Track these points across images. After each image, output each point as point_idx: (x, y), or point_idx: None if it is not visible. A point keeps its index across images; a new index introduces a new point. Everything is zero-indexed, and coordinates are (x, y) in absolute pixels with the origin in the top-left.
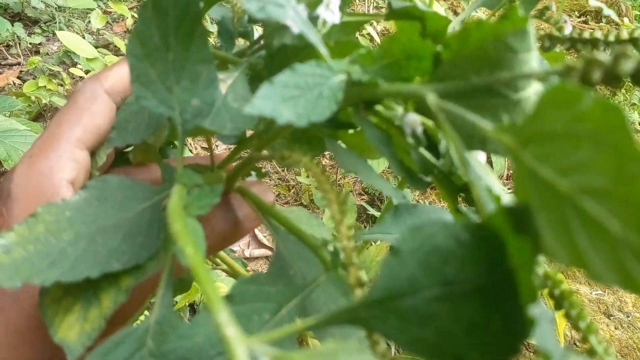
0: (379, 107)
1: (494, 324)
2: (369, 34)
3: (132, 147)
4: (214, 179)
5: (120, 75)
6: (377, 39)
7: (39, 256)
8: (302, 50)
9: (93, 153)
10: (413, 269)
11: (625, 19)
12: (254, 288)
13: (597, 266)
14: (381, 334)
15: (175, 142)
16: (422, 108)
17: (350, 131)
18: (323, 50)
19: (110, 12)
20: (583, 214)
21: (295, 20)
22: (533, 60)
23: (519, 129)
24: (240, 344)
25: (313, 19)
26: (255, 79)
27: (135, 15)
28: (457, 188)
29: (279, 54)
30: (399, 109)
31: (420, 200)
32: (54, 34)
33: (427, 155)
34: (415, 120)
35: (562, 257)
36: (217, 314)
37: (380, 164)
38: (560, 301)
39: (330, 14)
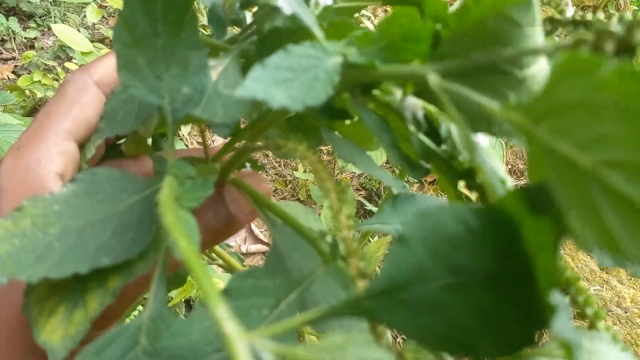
0: (375, 92)
1: (507, 312)
2: (366, 27)
3: (124, 140)
4: (207, 170)
5: (109, 66)
6: None
7: (25, 251)
8: (294, 33)
9: (82, 145)
10: (420, 256)
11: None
12: (251, 282)
13: (629, 245)
14: (387, 325)
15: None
16: (421, 91)
17: (347, 122)
18: (317, 32)
19: (106, 7)
20: (609, 191)
21: None
22: (538, 35)
23: (530, 105)
24: (240, 340)
25: (305, 1)
26: (248, 65)
27: None
28: (458, 174)
29: (270, 37)
30: (397, 93)
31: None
32: (49, 29)
33: (427, 140)
34: (415, 104)
35: (590, 239)
36: (215, 309)
37: (378, 158)
38: (567, 287)
39: None
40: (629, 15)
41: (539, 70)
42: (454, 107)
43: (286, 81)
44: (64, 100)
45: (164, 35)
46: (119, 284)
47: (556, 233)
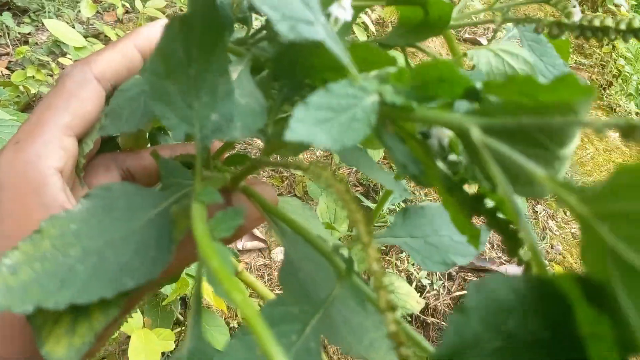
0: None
1: None
2: (363, 22)
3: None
4: (219, 182)
5: (110, 60)
6: (372, 28)
7: (47, 276)
8: (314, 49)
9: (80, 140)
10: (476, 324)
11: (622, 9)
12: (280, 310)
13: None
14: None
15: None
16: (463, 141)
17: None
18: (352, 69)
19: (101, 1)
20: None
21: (323, 37)
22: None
23: (590, 196)
24: None
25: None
26: (257, 70)
27: (126, 4)
28: (470, 199)
29: (289, 50)
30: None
31: (416, 192)
32: (44, 24)
33: (445, 169)
34: (442, 131)
35: None
36: (272, 353)
37: (374, 155)
38: None
39: (343, 11)
40: (637, 23)
41: (571, 150)
42: (495, 163)
43: (327, 121)
44: (63, 93)
45: (196, 62)
46: (124, 297)
47: (620, 336)
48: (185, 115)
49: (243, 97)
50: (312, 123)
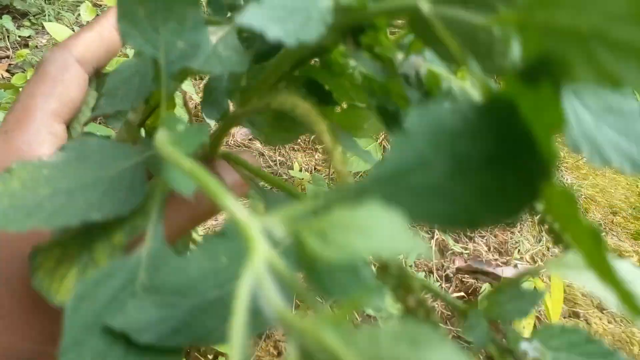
0: (377, 50)
1: (510, 187)
2: None
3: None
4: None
5: (89, 42)
6: None
7: (14, 209)
8: None
9: (67, 125)
10: (421, 146)
11: None
12: None
13: (626, 77)
14: (397, 208)
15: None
16: (417, 27)
17: (338, 109)
18: None
19: (100, 5)
20: (609, 41)
21: None
22: None
23: (523, 4)
24: (254, 222)
25: None
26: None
27: None
28: None
29: None
30: (399, 56)
31: None
32: (43, 27)
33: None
34: (418, 62)
35: (590, 77)
36: (225, 201)
37: (377, 152)
38: (559, 237)
39: None
40: None
41: None
42: (449, 32)
43: (280, 19)
44: (47, 79)
45: None
46: (124, 239)
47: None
48: (151, 37)
49: (226, 50)
50: (265, 19)
